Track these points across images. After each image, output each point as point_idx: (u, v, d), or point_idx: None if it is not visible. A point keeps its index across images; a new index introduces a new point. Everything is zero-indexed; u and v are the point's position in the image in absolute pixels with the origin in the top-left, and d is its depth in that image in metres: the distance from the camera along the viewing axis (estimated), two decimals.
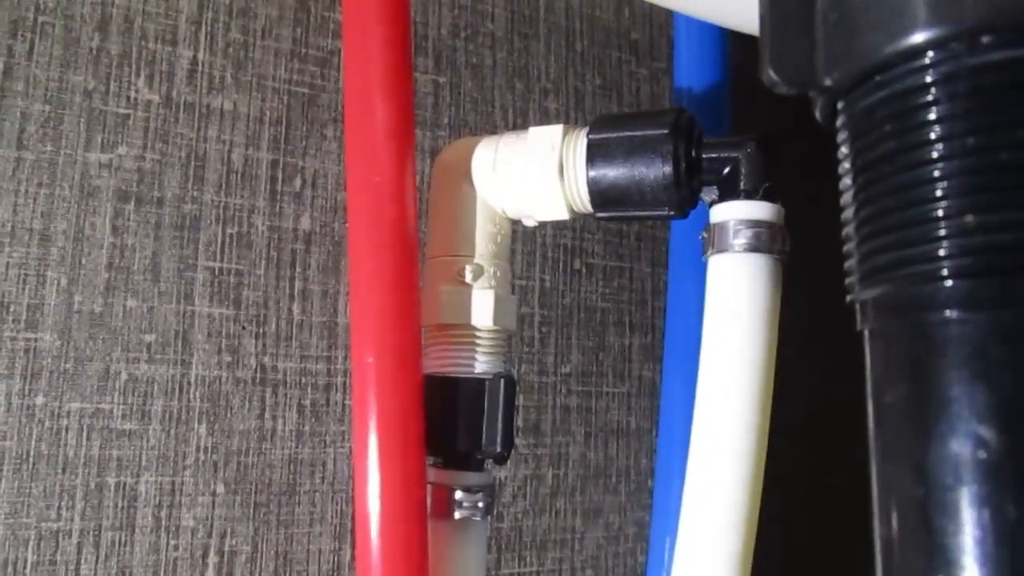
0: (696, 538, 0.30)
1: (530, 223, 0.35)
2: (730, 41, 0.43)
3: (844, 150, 0.19)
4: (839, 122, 0.19)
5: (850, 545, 0.54)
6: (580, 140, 0.32)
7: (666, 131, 0.31)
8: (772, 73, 0.18)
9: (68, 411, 0.37)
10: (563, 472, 0.48)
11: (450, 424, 0.33)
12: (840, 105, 0.19)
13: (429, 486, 0.32)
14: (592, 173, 0.32)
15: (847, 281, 0.19)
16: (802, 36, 0.18)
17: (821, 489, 0.55)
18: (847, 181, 0.19)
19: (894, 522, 0.17)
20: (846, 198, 0.19)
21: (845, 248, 0.19)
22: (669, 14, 0.54)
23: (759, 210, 0.30)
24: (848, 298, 0.19)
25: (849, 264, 0.19)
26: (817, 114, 0.20)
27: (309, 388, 0.42)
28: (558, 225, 0.50)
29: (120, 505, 0.38)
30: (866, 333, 0.18)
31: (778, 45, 0.18)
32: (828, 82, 0.18)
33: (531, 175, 0.33)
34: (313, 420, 0.42)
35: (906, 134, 0.17)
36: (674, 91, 0.44)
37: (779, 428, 0.30)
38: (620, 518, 0.50)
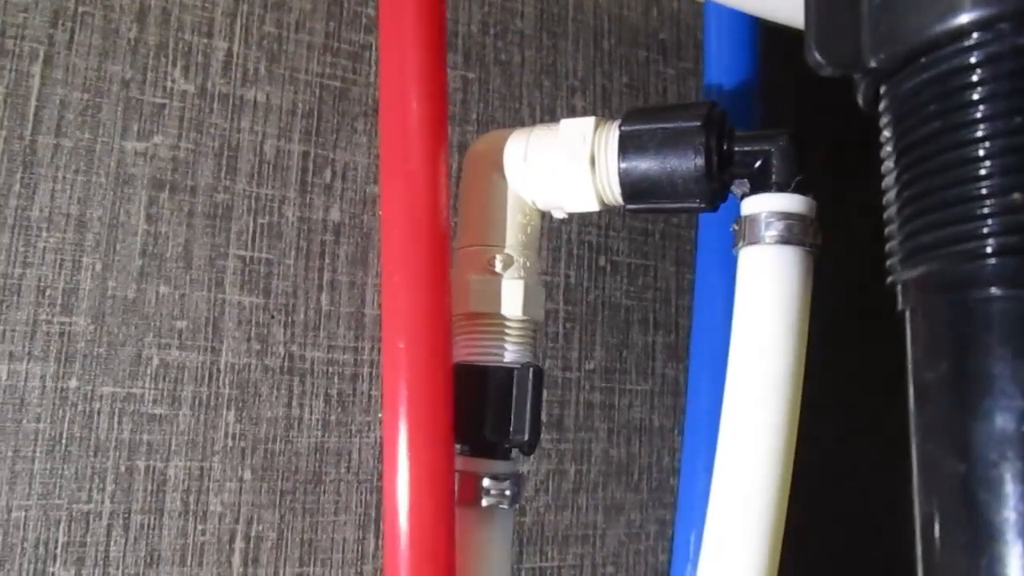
0: (724, 534, 0.30)
1: (560, 215, 0.35)
2: (759, 39, 0.43)
3: (887, 133, 0.19)
4: (883, 105, 0.19)
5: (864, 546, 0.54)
6: (612, 132, 0.33)
7: (699, 123, 0.31)
8: (817, 55, 0.19)
9: (100, 395, 0.38)
10: (585, 468, 0.48)
11: (478, 412, 0.33)
12: (884, 88, 0.19)
13: (456, 473, 0.32)
14: (624, 165, 0.32)
15: (888, 263, 0.19)
16: (847, 19, 0.19)
17: (843, 488, 0.55)
18: (889, 164, 0.19)
19: (935, 499, 0.17)
20: (888, 180, 0.19)
21: (887, 230, 0.19)
22: (697, 15, 0.54)
23: (791, 203, 0.30)
24: (889, 279, 0.19)
25: (891, 246, 0.19)
26: (859, 98, 0.20)
27: (336, 377, 0.42)
28: (583, 222, 0.50)
29: (149, 489, 0.38)
30: (907, 313, 0.18)
31: (824, 28, 0.19)
32: (873, 64, 0.18)
33: (562, 166, 0.33)
34: (339, 409, 0.42)
35: (951, 114, 0.17)
36: (704, 86, 0.44)
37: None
38: (641, 515, 0.50)
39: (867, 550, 0.57)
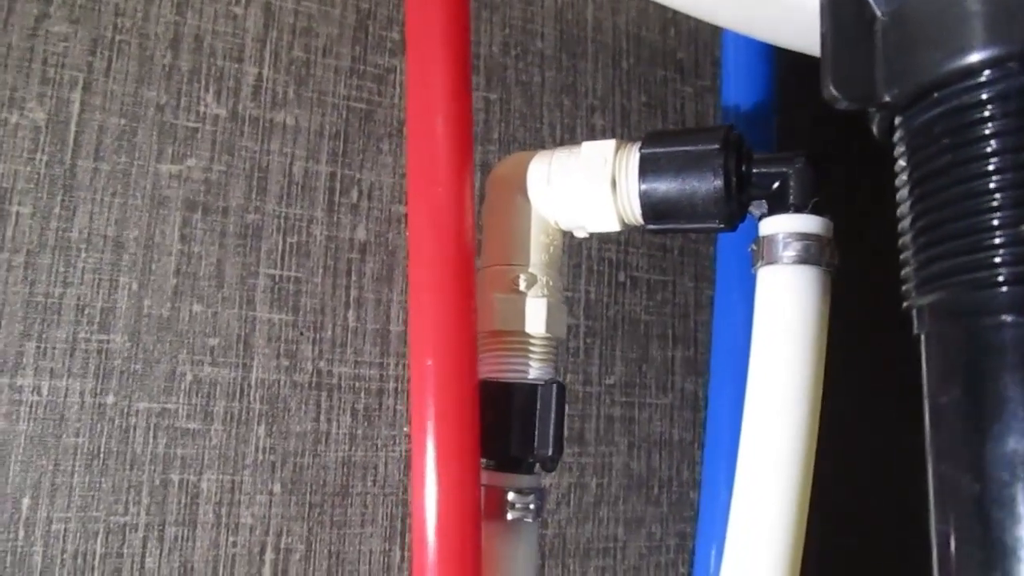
0: (745, 549, 0.31)
1: (581, 234, 0.36)
2: (776, 60, 0.44)
3: (902, 163, 0.20)
4: (897, 137, 0.20)
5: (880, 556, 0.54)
6: (632, 154, 0.33)
7: (717, 146, 0.32)
8: (833, 90, 0.20)
9: (136, 410, 0.39)
10: (606, 481, 0.49)
11: (503, 427, 0.34)
12: (898, 121, 0.20)
13: (482, 487, 0.33)
14: (644, 186, 0.33)
15: (903, 288, 0.20)
16: (862, 54, 0.19)
17: (856, 495, 0.55)
18: (904, 193, 0.20)
19: (951, 518, 0.18)
20: (903, 209, 0.20)
21: (902, 256, 0.20)
22: (714, 34, 0.55)
23: (809, 223, 0.31)
24: (904, 304, 0.20)
25: (906, 272, 0.20)
26: (874, 130, 0.21)
27: (362, 393, 0.43)
28: (603, 239, 0.51)
29: (183, 501, 0.39)
30: (922, 338, 0.19)
31: (839, 63, 0.19)
32: (887, 98, 0.19)
33: (584, 188, 0.34)
34: (366, 424, 0.43)
35: (963, 148, 0.18)
36: (721, 108, 0.45)
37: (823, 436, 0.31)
38: (662, 529, 0.50)
39: (885, 563, 0.57)
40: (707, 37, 0.56)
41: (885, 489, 0.55)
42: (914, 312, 0.19)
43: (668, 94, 0.55)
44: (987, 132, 0.18)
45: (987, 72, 0.18)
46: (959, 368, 0.18)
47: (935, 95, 0.18)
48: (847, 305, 0.34)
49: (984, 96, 0.18)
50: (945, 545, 0.18)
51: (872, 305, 0.43)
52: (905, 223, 0.20)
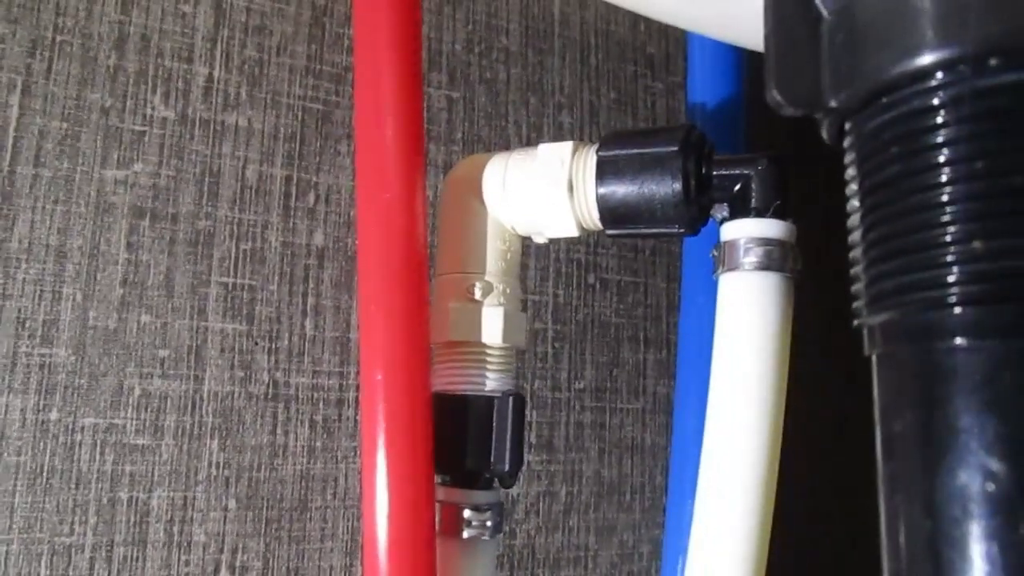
0: (707, 558, 0.30)
1: (540, 240, 0.35)
2: (745, 56, 0.43)
3: (851, 172, 0.19)
4: (846, 143, 0.19)
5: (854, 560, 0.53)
6: (590, 157, 0.32)
7: (676, 148, 0.30)
8: (777, 95, 0.18)
9: (82, 426, 0.37)
10: (576, 489, 0.48)
11: (459, 442, 0.33)
12: (847, 126, 0.18)
13: (437, 504, 0.32)
14: (602, 190, 0.32)
15: (854, 305, 0.19)
16: (808, 57, 0.18)
17: (839, 503, 0.54)
18: (854, 203, 0.19)
19: (903, 554, 0.16)
20: (853, 220, 0.19)
21: (852, 271, 0.19)
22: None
23: (770, 228, 0.30)
24: (855, 322, 0.19)
25: (856, 288, 0.18)
26: (824, 135, 0.20)
27: (321, 403, 0.42)
28: (572, 240, 0.49)
29: (132, 520, 0.38)
30: (874, 358, 0.18)
31: (783, 66, 0.18)
32: (834, 103, 0.18)
33: (541, 192, 0.33)
34: (325, 436, 0.42)
35: (913, 157, 0.17)
36: (688, 106, 0.44)
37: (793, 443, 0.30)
38: (634, 536, 0.49)
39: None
40: (679, 32, 0.55)
41: (869, 494, 0.54)
42: (864, 331, 0.18)
43: (638, 90, 0.53)
44: (939, 140, 0.16)
45: (939, 75, 0.16)
46: (910, 394, 0.17)
47: (884, 100, 0.17)
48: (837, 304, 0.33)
49: (935, 101, 0.16)
50: None
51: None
52: (855, 235, 0.18)
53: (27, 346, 0.37)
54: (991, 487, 0.15)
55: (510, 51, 0.50)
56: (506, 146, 0.48)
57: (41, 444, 0.37)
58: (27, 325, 0.37)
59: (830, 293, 0.30)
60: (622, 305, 0.51)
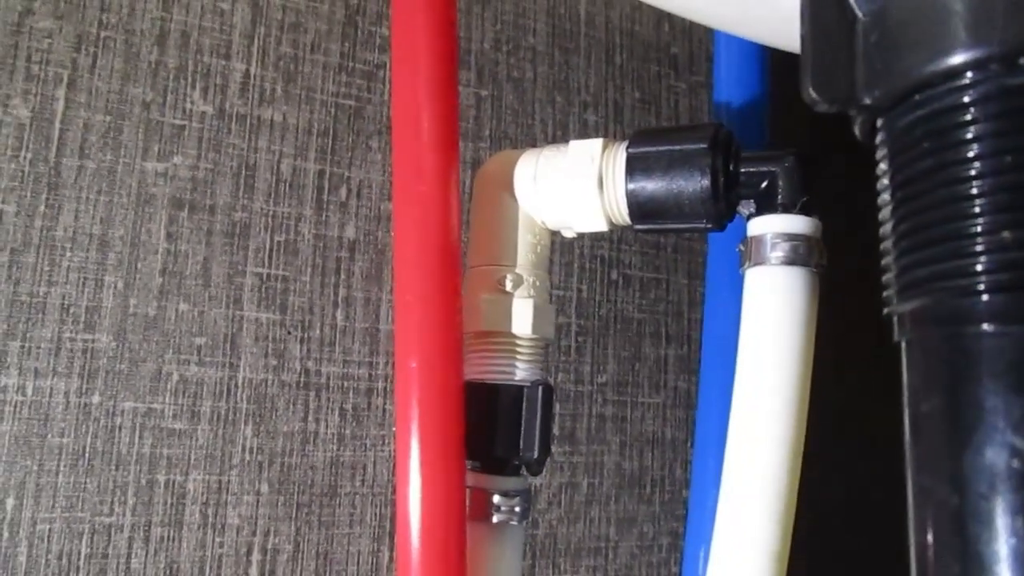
0: (731, 551, 0.30)
1: (569, 234, 0.36)
2: (770, 55, 0.44)
3: (883, 166, 0.19)
4: (878, 139, 0.19)
5: (876, 557, 0.54)
6: (619, 153, 0.33)
7: (705, 145, 0.31)
8: (812, 92, 0.19)
9: (122, 410, 0.39)
10: (598, 481, 0.49)
11: (489, 429, 0.34)
12: (880, 123, 0.19)
13: (467, 489, 0.33)
14: (631, 186, 0.32)
15: (884, 294, 0.19)
16: (842, 56, 0.19)
17: (854, 500, 0.54)
18: (886, 197, 0.19)
19: (929, 530, 0.17)
20: (885, 213, 0.19)
21: (883, 262, 0.19)
22: (709, 29, 0.54)
23: (796, 223, 0.30)
24: (885, 310, 0.19)
25: (887, 277, 0.19)
26: (856, 131, 0.20)
27: (351, 392, 0.43)
28: (595, 236, 0.50)
29: (169, 502, 0.39)
30: (903, 345, 0.19)
31: (819, 64, 0.19)
32: (868, 101, 0.19)
33: (571, 187, 0.34)
34: (354, 424, 0.43)
35: (944, 152, 0.17)
36: (713, 105, 0.45)
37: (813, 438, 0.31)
38: (654, 528, 0.50)
39: (875, 562, 0.56)
40: (702, 32, 0.56)
41: (883, 489, 0.54)
42: (895, 318, 0.19)
43: (662, 90, 0.54)
44: (969, 135, 0.17)
45: (970, 74, 0.17)
46: (939, 377, 0.17)
47: (916, 97, 0.18)
48: (859, 300, 0.33)
49: (966, 99, 0.17)
50: (923, 558, 0.17)
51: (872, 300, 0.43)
52: (886, 228, 0.19)
53: (71, 332, 0.38)
54: (1016, 464, 0.16)
55: (537, 50, 0.51)
56: (533, 143, 0.49)
57: (83, 427, 0.38)
58: (71, 311, 0.38)
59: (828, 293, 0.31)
60: (644, 301, 0.52)
